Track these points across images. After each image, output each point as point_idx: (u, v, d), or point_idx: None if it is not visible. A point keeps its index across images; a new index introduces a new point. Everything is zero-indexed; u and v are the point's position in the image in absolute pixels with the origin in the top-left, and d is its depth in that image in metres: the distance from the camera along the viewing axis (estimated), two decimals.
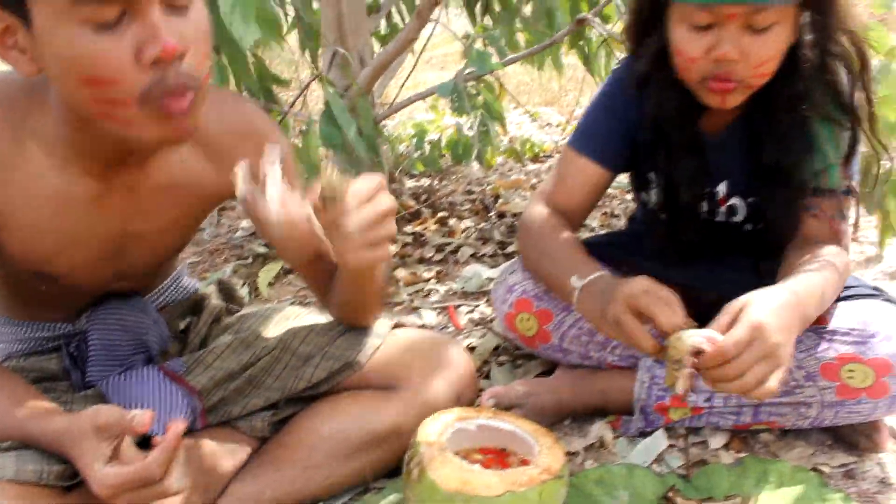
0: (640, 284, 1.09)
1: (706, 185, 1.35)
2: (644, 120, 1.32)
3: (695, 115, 1.29)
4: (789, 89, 1.21)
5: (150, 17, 0.84)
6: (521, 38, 2.75)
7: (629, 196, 2.69)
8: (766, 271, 1.27)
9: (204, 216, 1.21)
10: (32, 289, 1.11)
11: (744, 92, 1.19)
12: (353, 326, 1.26)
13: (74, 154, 0.98)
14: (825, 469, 1.26)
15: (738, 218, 1.36)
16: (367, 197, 0.94)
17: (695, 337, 1.00)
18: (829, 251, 1.23)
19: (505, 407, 1.33)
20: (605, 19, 2.42)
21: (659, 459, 1.30)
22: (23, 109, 0.96)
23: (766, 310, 1.02)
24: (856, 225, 1.32)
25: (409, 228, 2.40)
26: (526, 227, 1.43)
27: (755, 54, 1.13)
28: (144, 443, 1.11)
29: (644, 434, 1.35)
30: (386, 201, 0.95)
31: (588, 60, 2.62)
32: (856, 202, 1.30)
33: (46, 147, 0.98)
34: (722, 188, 1.35)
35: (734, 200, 1.35)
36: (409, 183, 2.84)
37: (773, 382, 0.99)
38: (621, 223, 2.43)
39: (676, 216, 1.37)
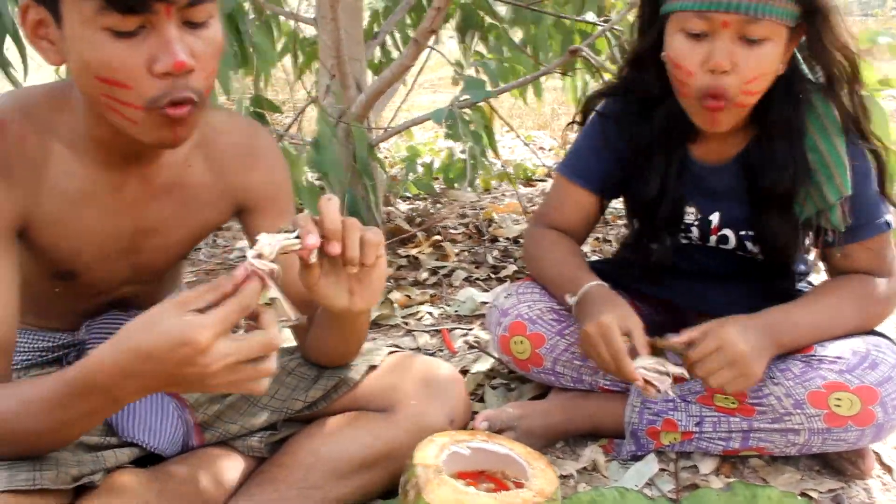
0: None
1: (701, 212, 1.39)
2: (632, 143, 1.36)
3: (682, 137, 1.34)
4: (787, 116, 1.26)
5: (166, 32, 0.89)
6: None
7: (621, 221, 2.72)
8: (776, 293, 1.35)
9: (206, 227, 1.23)
10: (44, 292, 1.14)
11: (733, 113, 1.22)
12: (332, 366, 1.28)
13: (95, 147, 1.04)
14: (813, 494, 1.28)
15: (728, 247, 1.40)
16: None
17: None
18: (849, 280, 1.32)
19: (497, 430, 1.35)
20: (597, 51, 2.46)
21: (650, 483, 1.32)
22: (45, 115, 1.03)
23: (735, 327, 1.21)
24: None
25: (403, 251, 2.42)
26: (526, 250, 1.51)
27: (746, 66, 1.17)
28: (150, 460, 1.14)
29: (635, 458, 1.37)
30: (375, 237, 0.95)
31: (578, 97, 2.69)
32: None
33: (70, 145, 1.03)
34: (715, 218, 1.39)
35: (725, 231, 1.39)
36: (403, 206, 2.86)
37: (730, 388, 1.21)
38: (613, 249, 2.46)
39: (654, 237, 1.41)
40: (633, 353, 1.21)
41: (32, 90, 1.07)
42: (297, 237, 0.90)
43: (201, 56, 0.93)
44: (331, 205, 0.92)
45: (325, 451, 1.18)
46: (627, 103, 1.38)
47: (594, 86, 2.65)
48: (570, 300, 1.33)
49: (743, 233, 1.38)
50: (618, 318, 1.23)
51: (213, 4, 0.93)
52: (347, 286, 0.98)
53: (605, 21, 2.30)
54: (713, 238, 1.41)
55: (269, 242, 0.87)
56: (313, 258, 0.91)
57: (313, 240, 0.89)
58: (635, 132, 1.36)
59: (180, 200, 1.15)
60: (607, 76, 2.19)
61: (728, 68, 1.17)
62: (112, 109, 0.94)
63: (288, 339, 1.33)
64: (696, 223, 1.40)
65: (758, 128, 1.31)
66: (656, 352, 1.23)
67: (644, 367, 1.20)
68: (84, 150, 1.04)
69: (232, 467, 1.20)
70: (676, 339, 1.24)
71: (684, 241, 1.43)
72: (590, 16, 2.35)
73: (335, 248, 0.92)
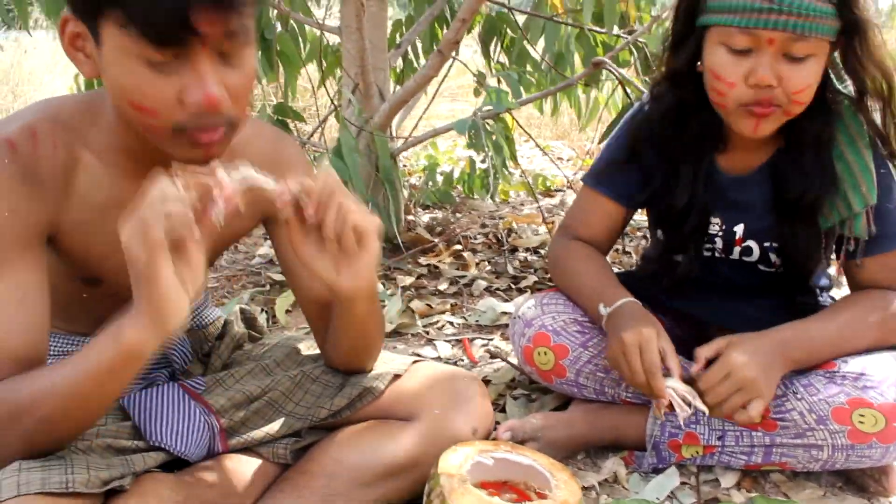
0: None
1: (725, 223, 1.39)
2: (660, 150, 1.37)
3: (712, 147, 1.35)
4: (817, 127, 1.26)
5: (200, 65, 0.91)
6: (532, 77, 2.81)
7: (640, 233, 2.72)
8: (799, 307, 1.36)
9: (232, 236, 1.25)
10: (72, 297, 1.15)
11: (777, 120, 1.23)
12: (350, 373, 1.28)
13: (125, 158, 1.06)
14: None
15: (752, 259, 1.40)
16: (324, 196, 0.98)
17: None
18: (869, 295, 1.32)
19: (520, 440, 1.35)
20: (621, 64, 2.47)
21: (671, 496, 1.32)
22: (76, 124, 1.05)
23: (742, 351, 1.21)
24: None
25: (423, 260, 2.43)
26: (554, 261, 1.51)
27: (791, 82, 1.18)
28: (176, 465, 1.15)
29: (656, 470, 1.37)
30: (348, 200, 0.99)
31: (580, 112, 2.71)
32: None
33: (99, 154, 1.05)
34: (739, 229, 1.39)
35: (749, 242, 1.39)
36: (424, 216, 2.87)
37: (752, 411, 1.19)
38: (632, 261, 2.46)
39: (679, 248, 1.42)
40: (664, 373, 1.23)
41: (65, 99, 1.09)
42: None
43: (234, 88, 0.95)
44: (324, 176, 0.98)
45: (348, 459, 1.19)
46: (659, 113, 1.38)
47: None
48: (604, 311, 1.33)
49: (767, 244, 1.38)
50: (657, 335, 1.25)
51: (248, 38, 0.95)
52: (334, 261, 1.02)
53: (629, 33, 2.31)
54: (737, 249, 1.41)
55: (250, 173, 0.94)
56: (283, 209, 0.97)
57: (282, 191, 0.96)
58: (666, 142, 1.36)
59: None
60: (629, 88, 2.20)
61: (773, 83, 1.17)
62: (144, 130, 0.97)
63: (312, 347, 1.35)
64: (720, 234, 1.41)
65: (784, 138, 1.31)
66: (686, 379, 1.24)
67: (674, 389, 1.21)
68: (113, 160, 1.06)
69: (257, 473, 1.21)
70: (695, 368, 1.25)
71: (707, 253, 1.43)
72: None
73: (308, 210, 0.97)
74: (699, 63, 1.28)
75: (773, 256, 1.39)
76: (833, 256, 1.39)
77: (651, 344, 1.23)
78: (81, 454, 1.04)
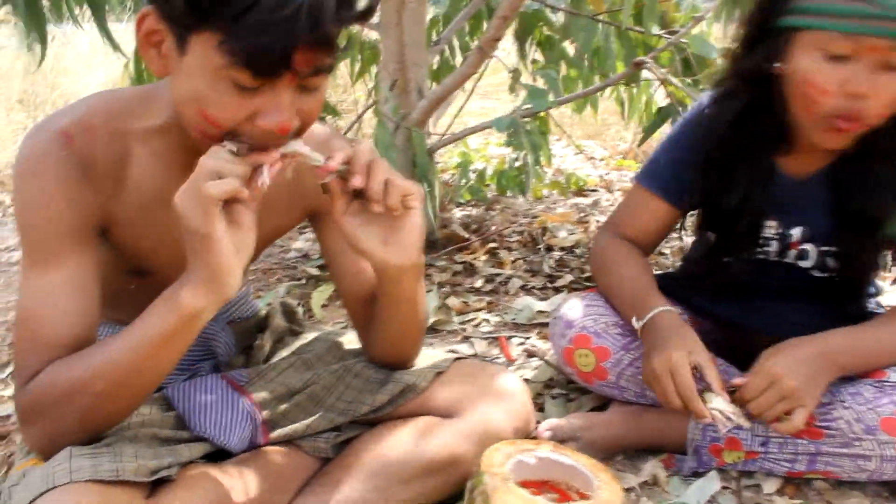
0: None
1: (782, 226, 1.38)
2: (720, 150, 1.34)
3: (773, 149, 1.32)
4: (889, 139, 1.23)
5: (281, 94, 0.92)
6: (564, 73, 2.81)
7: (675, 234, 2.70)
8: (846, 314, 1.34)
9: (278, 230, 1.27)
10: (119, 287, 1.17)
11: (857, 132, 1.20)
12: (392, 366, 1.28)
13: (177, 153, 1.07)
14: None
15: (807, 264, 1.38)
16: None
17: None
18: None
19: (560, 440, 1.35)
20: (662, 64, 2.45)
21: (712, 500, 1.30)
22: (131, 118, 1.06)
23: (785, 360, 1.21)
24: None
25: (458, 257, 2.42)
26: (596, 259, 1.50)
27: (885, 93, 1.14)
28: (217, 456, 1.16)
29: (696, 474, 1.36)
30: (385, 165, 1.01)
31: (623, 107, 2.71)
32: None
33: (152, 148, 1.07)
34: (796, 232, 1.37)
35: (806, 246, 1.37)
36: (458, 212, 2.87)
37: (797, 419, 1.19)
38: (669, 261, 2.44)
39: (730, 250, 1.40)
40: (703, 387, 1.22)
41: (121, 93, 1.10)
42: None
43: (306, 112, 0.96)
44: (364, 145, 1.00)
45: (389, 455, 1.19)
46: (727, 113, 1.34)
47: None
48: (637, 325, 1.33)
49: (825, 248, 1.36)
50: (687, 354, 1.23)
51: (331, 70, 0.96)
52: (380, 234, 1.04)
53: (671, 34, 2.29)
54: (792, 253, 1.39)
55: (297, 145, 0.97)
56: (329, 178, 1.01)
57: (330, 162, 0.98)
58: (727, 142, 1.34)
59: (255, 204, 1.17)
60: (670, 89, 2.18)
61: (869, 94, 1.14)
62: (197, 134, 0.97)
63: (353, 342, 1.35)
64: (776, 237, 1.39)
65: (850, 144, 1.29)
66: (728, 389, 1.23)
67: (719, 409, 1.19)
68: (165, 155, 1.07)
69: (297, 466, 1.21)
70: (739, 380, 1.24)
71: (760, 256, 1.41)
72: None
73: (357, 181, 0.99)
74: (777, 65, 1.23)
75: (830, 261, 1.37)
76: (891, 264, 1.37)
77: (682, 368, 1.21)
78: (129, 443, 1.05)
